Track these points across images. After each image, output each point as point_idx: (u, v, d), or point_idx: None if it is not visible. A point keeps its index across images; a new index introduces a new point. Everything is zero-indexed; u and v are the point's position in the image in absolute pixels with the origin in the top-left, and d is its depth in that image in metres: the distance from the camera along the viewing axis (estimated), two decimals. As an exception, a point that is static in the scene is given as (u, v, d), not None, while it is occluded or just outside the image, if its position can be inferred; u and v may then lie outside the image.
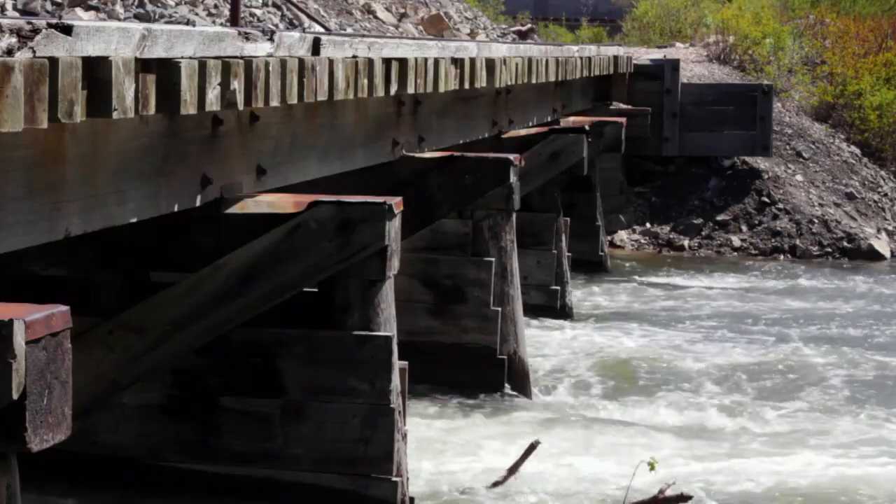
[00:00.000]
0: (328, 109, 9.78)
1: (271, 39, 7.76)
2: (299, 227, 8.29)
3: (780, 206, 23.73)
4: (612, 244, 22.55)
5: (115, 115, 6.16)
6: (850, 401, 13.49)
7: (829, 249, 23.09)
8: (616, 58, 22.78)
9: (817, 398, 13.57)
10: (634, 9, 36.39)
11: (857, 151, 25.37)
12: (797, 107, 26.28)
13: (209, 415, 8.45)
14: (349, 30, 21.90)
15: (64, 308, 5.34)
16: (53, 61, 5.62)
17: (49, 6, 15.11)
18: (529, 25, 33.34)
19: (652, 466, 9.17)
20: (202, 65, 6.89)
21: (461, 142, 13.69)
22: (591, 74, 20.48)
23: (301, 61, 8.23)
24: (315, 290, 8.49)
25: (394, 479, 8.41)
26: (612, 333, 16.19)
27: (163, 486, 8.46)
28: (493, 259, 12.72)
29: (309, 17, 20.95)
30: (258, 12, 19.83)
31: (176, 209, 7.70)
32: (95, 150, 6.77)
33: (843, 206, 23.89)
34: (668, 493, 9.26)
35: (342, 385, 8.37)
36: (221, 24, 17.16)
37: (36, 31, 5.46)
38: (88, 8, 15.71)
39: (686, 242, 23.37)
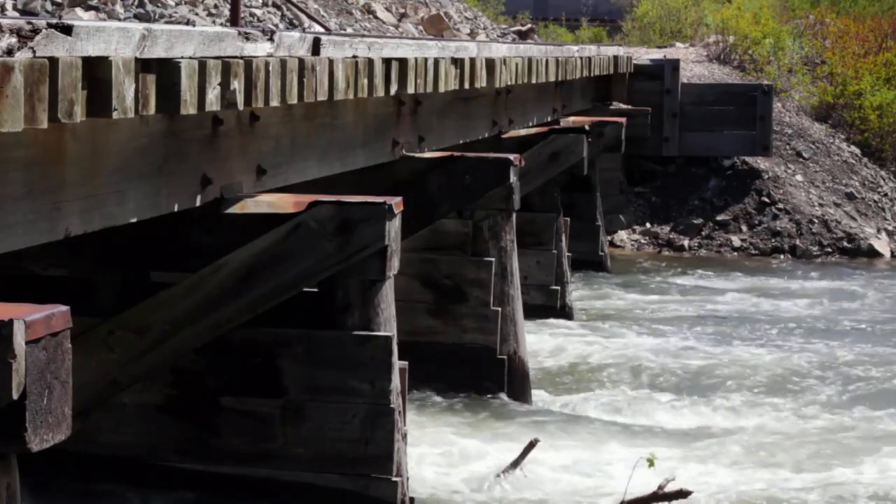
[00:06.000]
0: (328, 109, 9.78)
1: (271, 39, 7.76)
2: (299, 227, 8.29)
3: (780, 206, 23.73)
4: (612, 244, 22.55)
5: (115, 115, 6.16)
6: (850, 401, 13.48)
7: (829, 249, 23.10)
8: (616, 58, 22.78)
9: (817, 398, 13.56)
10: (635, 9, 36.39)
11: (857, 151, 25.37)
12: (797, 107, 26.28)
13: (209, 415, 8.45)
14: (349, 30, 21.90)
15: (64, 308, 5.34)
16: (53, 61, 5.62)
17: (49, 6, 15.11)
18: (529, 25, 33.34)
19: (651, 463, 9.17)
20: (202, 65, 6.90)
21: (461, 142, 13.69)
22: (591, 74, 20.48)
23: (301, 61, 8.23)
24: (315, 290, 8.49)
25: (394, 479, 8.41)
26: (611, 333, 16.19)
27: (163, 486, 8.46)
28: (493, 259, 12.72)
29: (309, 17, 20.95)
30: (258, 12, 19.83)
31: (176, 209, 7.70)
32: (95, 150, 6.77)
33: (843, 206, 23.89)
34: (668, 489, 9.26)
35: (342, 385, 8.37)
36: (221, 24, 17.16)
37: (36, 31, 5.46)
38: (88, 8, 15.72)
39: (686, 242, 23.37)
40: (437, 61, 11.12)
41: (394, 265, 8.52)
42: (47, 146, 6.33)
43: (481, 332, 12.67)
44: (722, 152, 24.38)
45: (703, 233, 23.52)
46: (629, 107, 23.40)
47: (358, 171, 10.75)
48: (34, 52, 5.46)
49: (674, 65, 24.55)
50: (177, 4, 17.37)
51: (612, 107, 23.24)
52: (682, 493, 9.21)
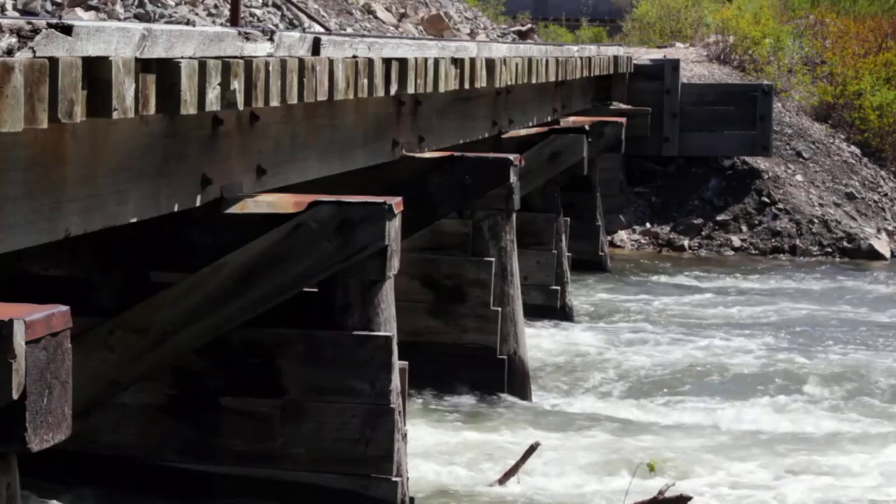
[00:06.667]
0: (328, 109, 9.78)
1: (271, 39, 7.76)
2: (299, 227, 8.29)
3: (780, 206, 23.73)
4: (612, 244, 22.55)
5: (115, 115, 6.16)
6: (848, 401, 13.49)
7: (829, 249, 23.09)
8: (616, 58, 22.79)
9: (816, 399, 13.56)
10: (634, 9, 36.39)
11: (857, 151, 25.38)
12: (797, 107, 26.28)
13: (209, 415, 8.45)
14: (349, 30, 21.90)
15: (64, 308, 5.34)
16: (53, 61, 5.61)
17: (49, 6, 15.10)
18: (529, 25, 33.34)
19: (651, 468, 9.17)
20: (202, 65, 6.89)
21: (461, 142, 13.68)
22: (591, 74, 20.48)
23: (301, 61, 8.23)
24: (315, 290, 8.49)
25: (394, 479, 8.41)
26: (611, 334, 16.18)
27: (163, 486, 8.46)
28: (493, 259, 12.72)
29: (309, 17, 20.95)
30: (258, 12, 19.83)
31: (176, 209, 7.70)
32: (95, 150, 6.77)
33: (843, 206, 23.89)
34: (668, 494, 9.24)
35: (342, 385, 8.37)
36: (221, 24, 17.16)
37: (36, 31, 5.46)
38: (88, 8, 15.71)
39: (686, 242, 23.37)
40: (437, 61, 11.12)
41: (394, 265, 8.52)
42: (47, 146, 6.32)
43: (481, 332, 12.67)
44: (722, 152, 24.38)
45: (703, 233, 23.52)
46: (629, 107, 23.40)
47: (358, 171, 10.75)
48: (34, 52, 5.45)
49: (674, 65, 24.55)
50: (177, 4, 17.36)
51: (612, 107, 23.24)
52: (683, 499, 9.20)
